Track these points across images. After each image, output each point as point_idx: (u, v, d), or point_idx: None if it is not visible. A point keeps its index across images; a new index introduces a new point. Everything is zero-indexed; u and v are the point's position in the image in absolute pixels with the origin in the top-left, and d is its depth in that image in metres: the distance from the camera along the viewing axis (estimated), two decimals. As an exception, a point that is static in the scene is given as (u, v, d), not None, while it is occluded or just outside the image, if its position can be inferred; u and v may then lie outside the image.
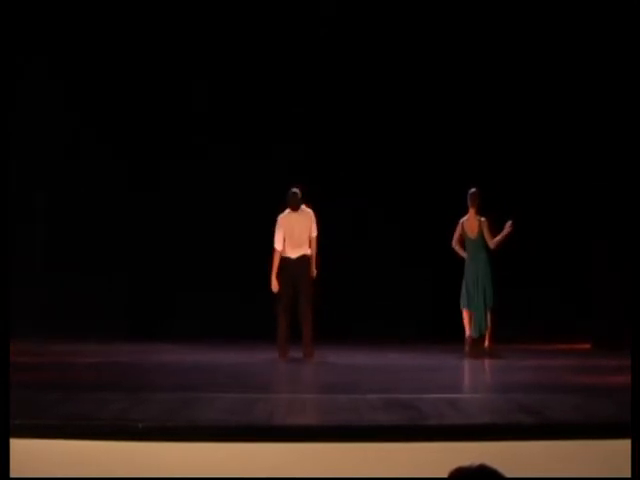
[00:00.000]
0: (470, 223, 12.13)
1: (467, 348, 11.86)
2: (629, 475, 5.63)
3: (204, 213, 14.17)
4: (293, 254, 11.64)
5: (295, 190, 11.64)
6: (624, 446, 6.03)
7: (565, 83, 13.91)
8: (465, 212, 12.15)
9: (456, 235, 12.15)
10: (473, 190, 12.15)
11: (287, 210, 11.69)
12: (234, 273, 13.93)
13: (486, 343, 11.92)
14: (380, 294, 14.10)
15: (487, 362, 11.44)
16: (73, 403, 7.10)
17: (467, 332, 12.00)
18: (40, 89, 14.02)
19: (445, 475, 3.27)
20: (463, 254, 12.12)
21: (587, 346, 13.14)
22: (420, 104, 14.23)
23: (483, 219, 12.09)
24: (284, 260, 11.61)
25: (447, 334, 12.70)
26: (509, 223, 11.88)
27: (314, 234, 11.68)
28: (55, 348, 12.13)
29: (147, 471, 5.86)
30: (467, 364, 11.25)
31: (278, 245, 11.59)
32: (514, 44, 13.94)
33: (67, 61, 14.21)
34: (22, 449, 5.80)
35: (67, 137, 14.22)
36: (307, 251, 11.63)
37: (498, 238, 11.99)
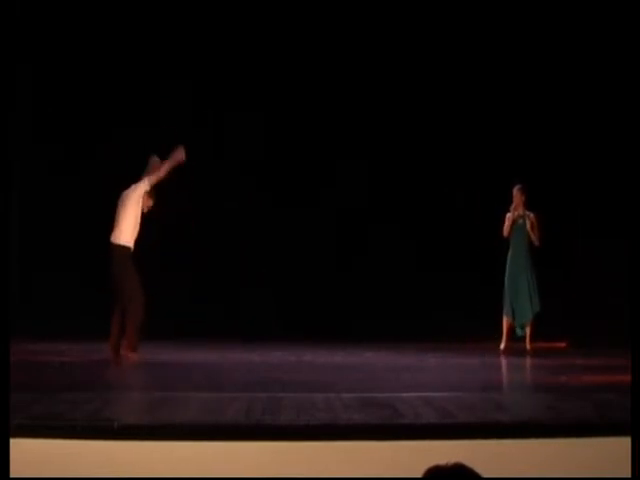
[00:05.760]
0: (519, 217, 12.09)
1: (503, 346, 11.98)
2: (606, 474, 5.65)
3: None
4: (133, 244, 10.58)
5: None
6: (600, 445, 6.05)
7: (566, 87, 13.83)
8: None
9: (508, 224, 12.04)
10: (520, 185, 12.13)
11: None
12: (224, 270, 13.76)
13: (528, 345, 12.04)
14: (361, 293, 14.04)
15: (464, 361, 11.43)
16: (47, 403, 7.04)
17: (503, 344, 12.06)
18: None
19: (420, 474, 3.26)
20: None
21: (563, 345, 13.16)
22: (416, 104, 14.14)
23: (532, 214, 12.12)
24: (128, 250, 10.49)
25: (426, 333, 12.72)
26: None
27: None
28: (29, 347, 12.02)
29: (123, 471, 5.83)
30: (444, 363, 11.22)
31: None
32: (512, 47, 13.78)
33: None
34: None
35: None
36: None
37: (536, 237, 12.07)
